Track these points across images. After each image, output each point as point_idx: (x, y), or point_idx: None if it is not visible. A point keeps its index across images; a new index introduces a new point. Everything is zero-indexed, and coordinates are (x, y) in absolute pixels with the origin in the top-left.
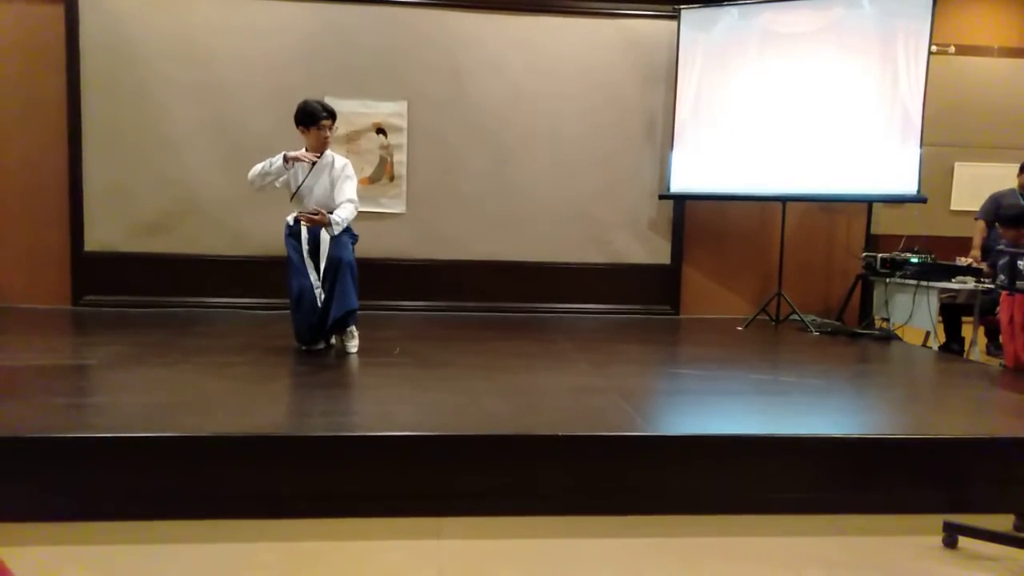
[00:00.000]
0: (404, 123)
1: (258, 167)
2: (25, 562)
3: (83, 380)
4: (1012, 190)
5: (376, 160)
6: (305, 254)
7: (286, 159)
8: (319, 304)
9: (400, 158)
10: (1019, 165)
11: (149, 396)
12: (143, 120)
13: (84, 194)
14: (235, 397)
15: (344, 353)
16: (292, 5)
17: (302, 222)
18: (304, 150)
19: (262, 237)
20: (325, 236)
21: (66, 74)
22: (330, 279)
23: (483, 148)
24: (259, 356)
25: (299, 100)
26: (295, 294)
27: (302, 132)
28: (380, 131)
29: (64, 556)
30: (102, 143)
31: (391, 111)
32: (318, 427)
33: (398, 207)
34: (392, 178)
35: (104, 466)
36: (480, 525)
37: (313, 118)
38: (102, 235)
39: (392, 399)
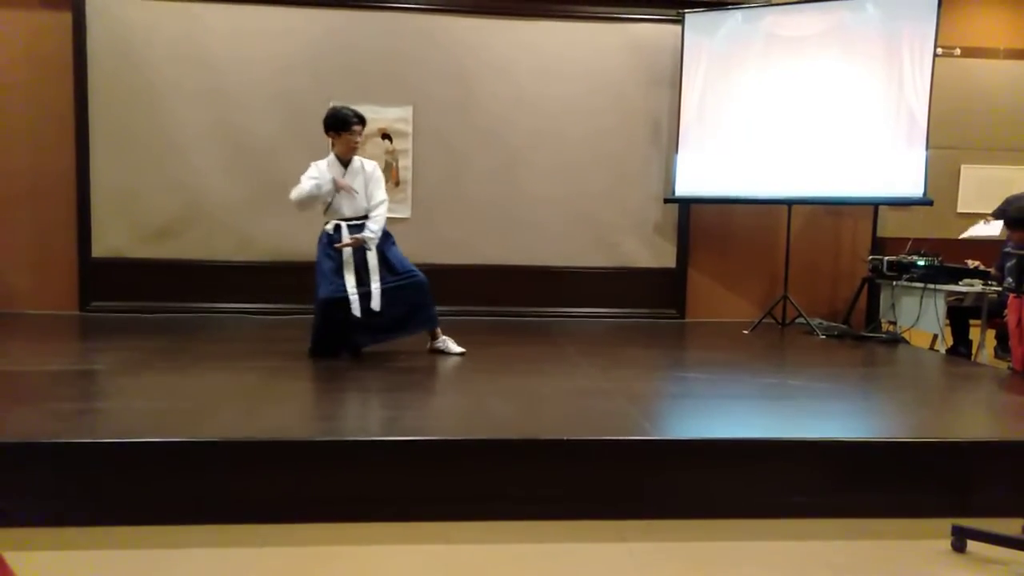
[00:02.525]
0: (409, 128)
1: (306, 189)
2: (33, 566)
3: (91, 386)
4: None
5: (382, 165)
6: (347, 261)
7: (337, 186)
8: (358, 312)
9: (406, 163)
10: None
11: (157, 401)
12: (150, 125)
13: (91, 200)
14: (242, 402)
15: (447, 353)
16: (298, 10)
17: (344, 244)
18: (332, 156)
19: (269, 242)
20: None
21: (73, 80)
22: (396, 292)
23: (488, 153)
24: (266, 361)
25: (305, 105)
26: (323, 302)
27: (332, 137)
28: (386, 136)
29: (72, 561)
30: (109, 149)
31: (397, 116)
32: (325, 432)
33: (403, 212)
34: (398, 183)
35: (112, 471)
36: (488, 529)
37: (345, 124)
38: (110, 241)
39: (398, 403)
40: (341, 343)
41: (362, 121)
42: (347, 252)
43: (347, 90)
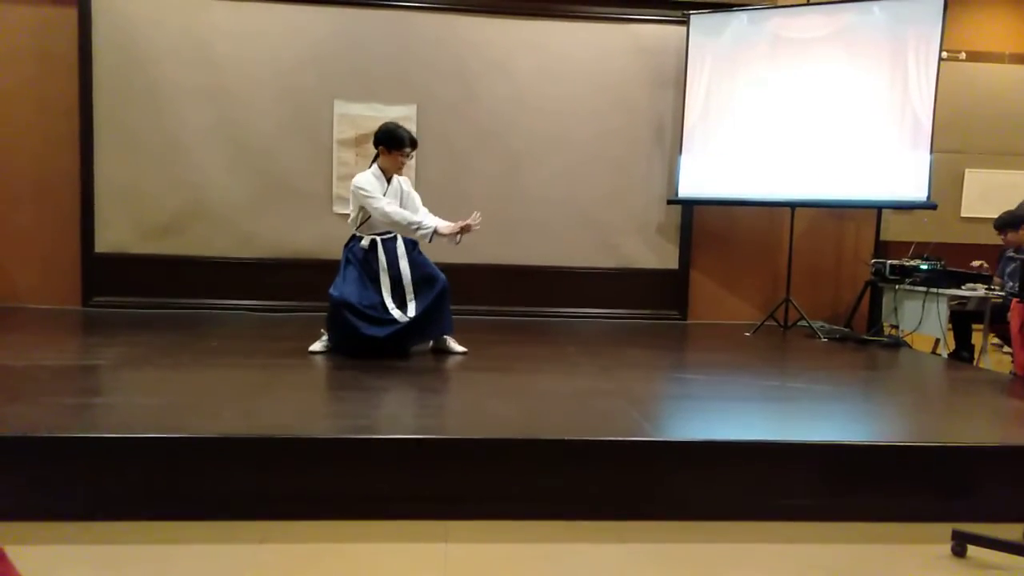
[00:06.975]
0: (413, 127)
1: (406, 217)
2: (31, 561)
3: (92, 381)
4: None
5: None
6: (383, 272)
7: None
8: (397, 320)
9: (408, 162)
10: None
11: (157, 397)
12: (154, 123)
13: (95, 196)
14: (243, 398)
15: (449, 352)
16: (302, 9)
17: (459, 234)
18: (377, 169)
19: (271, 238)
20: (402, 251)
21: (78, 77)
22: (425, 298)
23: (491, 152)
24: (267, 358)
25: (309, 103)
26: (346, 306)
27: (381, 152)
28: None
29: (69, 555)
30: (113, 145)
31: (400, 115)
32: (325, 429)
33: None
34: None
35: (111, 466)
36: (487, 529)
37: (399, 144)
38: (113, 236)
39: (399, 402)
40: (360, 345)
41: (415, 145)
42: (384, 265)
43: (350, 88)
